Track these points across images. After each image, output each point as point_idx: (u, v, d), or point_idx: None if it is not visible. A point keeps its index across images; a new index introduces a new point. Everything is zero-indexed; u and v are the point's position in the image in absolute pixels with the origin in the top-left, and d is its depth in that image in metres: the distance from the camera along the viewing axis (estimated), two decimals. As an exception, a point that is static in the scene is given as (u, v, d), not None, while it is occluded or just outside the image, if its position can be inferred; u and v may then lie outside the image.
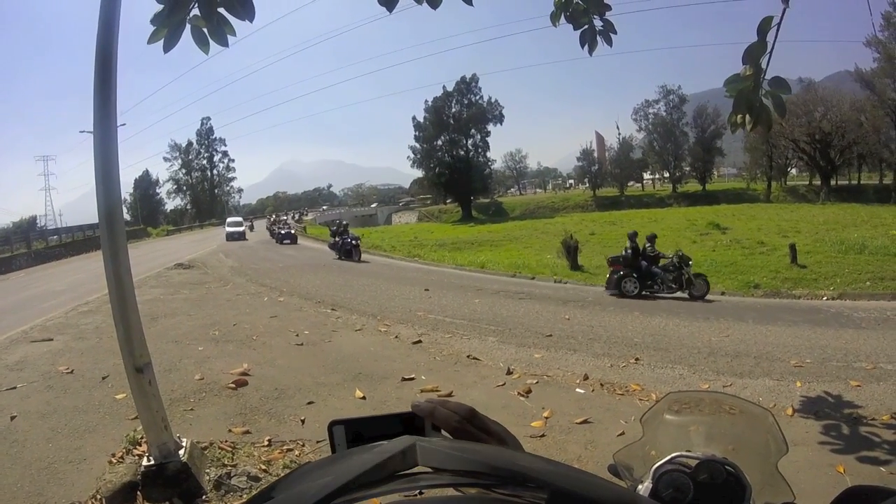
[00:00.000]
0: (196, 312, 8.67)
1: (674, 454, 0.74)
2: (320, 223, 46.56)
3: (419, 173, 56.85)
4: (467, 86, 51.44)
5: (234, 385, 4.80)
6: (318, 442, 3.61)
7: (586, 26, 3.43)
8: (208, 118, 69.61)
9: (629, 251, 10.41)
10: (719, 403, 0.89)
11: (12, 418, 4.16)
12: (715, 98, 39.45)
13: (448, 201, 55.02)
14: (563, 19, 3.44)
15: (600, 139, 58.85)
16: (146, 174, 65.55)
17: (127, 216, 50.72)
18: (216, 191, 69.75)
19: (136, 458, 3.14)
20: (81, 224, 34.20)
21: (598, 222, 31.20)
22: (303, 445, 3.60)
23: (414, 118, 52.08)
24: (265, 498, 0.37)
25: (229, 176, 70.49)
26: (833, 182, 43.38)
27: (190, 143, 67.82)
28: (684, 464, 0.73)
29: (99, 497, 2.88)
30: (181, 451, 2.91)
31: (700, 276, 10.01)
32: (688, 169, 54.08)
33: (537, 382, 4.94)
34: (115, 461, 3.22)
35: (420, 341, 6.53)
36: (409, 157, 52.64)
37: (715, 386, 4.88)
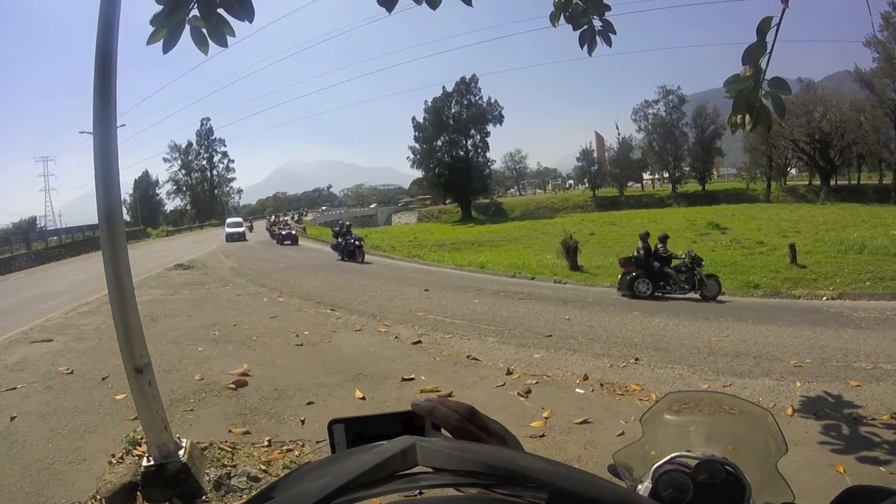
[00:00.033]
0: (196, 313, 8.67)
1: (673, 454, 0.74)
2: (320, 223, 46.59)
3: (419, 174, 56.93)
4: (467, 86, 51.49)
5: (233, 385, 4.80)
6: (317, 442, 3.61)
7: (586, 27, 3.42)
8: (208, 119, 69.93)
9: (641, 252, 10.25)
10: (719, 403, 0.89)
11: (12, 419, 4.16)
12: (714, 98, 39.54)
13: (447, 202, 55.03)
14: (562, 20, 3.44)
15: (600, 139, 58.89)
16: (146, 175, 65.67)
17: (127, 217, 50.72)
18: (216, 191, 69.77)
19: (136, 458, 3.14)
20: (81, 225, 34.18)
21: (598, 222, 31.23)
22: (303, 446, 3.59)
23: (414, 119, 52.24)
24: (265, 498, 0.37)
25: (229, 176, 70.65)
26: (833, 182, 43.42)
27: (190, 144, 67.97)
28: (684, 464, 0.73)
29: (99, 497, 2.88)
30: (181, 452, 2.91)
31: (712, 277, 9.91)
32: (687, 169, 54.10)
33: (537, 383, 4.94)
34: (114, 462, 3.22)
35: (420, 342, 6.53)
36: (408, 157, 52.80)
37: (715, 386, 4.88)
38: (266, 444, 3.61)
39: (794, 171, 53.04)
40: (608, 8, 3.40)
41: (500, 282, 12.72)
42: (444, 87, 51.61)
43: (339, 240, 18.52)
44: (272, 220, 40.10)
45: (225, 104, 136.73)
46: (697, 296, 9.74)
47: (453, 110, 51.47)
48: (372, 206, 74.30)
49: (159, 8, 2.50)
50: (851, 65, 41.06)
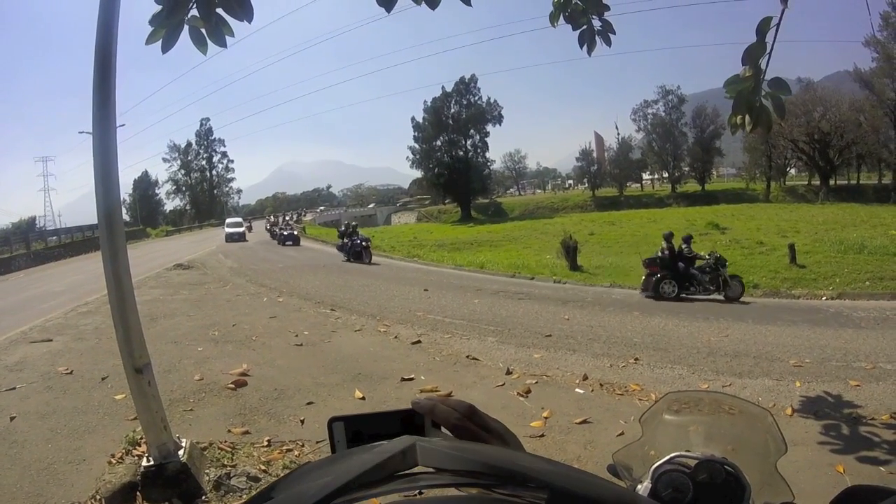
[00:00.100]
0: (195, 313, 8.67)
1: (673, 454, 0.74)
2: (319, 223, 46.60)
3: (418, 174, 56.83)
4: (466, 86, 51.44)
5: (233, 385, 4.80)
6: (317, 442, 3.61)
7: (585, 27, 3.43)
8: (207, 119, 69.73)
9: (665, 252, 10.17)
10: (718, 403, 0.89)
11: (12, 419, 4.16)
12: (714, 98, 39.58)
13: (447, 202, 55.00)
14: (561, 20, 3.44)
15: (599, 139, 58.87)
16: (145, 175, 65.53)
17: (126, 217, 50.52)
18: (215, 191, 69.67)
19: (136, 458, 3.14)
20: (81, 225, 34.10)
21: (598, 222, 31.22)
22: (302, 446, 3.59)
23: (413, 119, 52.16)
24: (265, 498, 0.37)
25: (228, 177, 70.51)
26: (832, 182, 43.43)
27: (189, 144, 67.84)
28: (683, 464, 0.73)
29: (98, 497, 2.88)
30: (181, 452, 2.91)
31: (735, 278, 9.86)
32: (687, 169, 54.08)
33: (537, 382, 4.94)
34: (114, 462, 3.22)
35: (419, 341, 6.53)
36: (408, 157, 52.73)
37: (714, 386, 4.88)
38: (266, 444, 3.61)
39: (793, 171, 53.03)
40: (607, 8, 3.41)
41: (499, 282, 12.73)
42: (443, 88, 51.63)
43: (345, 240, 18.09)
44: (272, 220, 39.97)
45: (224, 104, 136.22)
46: (721, 297, 9.64)
47: (453, 110, 51.43)
48: (371, 206, 74.23)
49: (158, 8, 2.50)
50: (851, 65, 41.12)
